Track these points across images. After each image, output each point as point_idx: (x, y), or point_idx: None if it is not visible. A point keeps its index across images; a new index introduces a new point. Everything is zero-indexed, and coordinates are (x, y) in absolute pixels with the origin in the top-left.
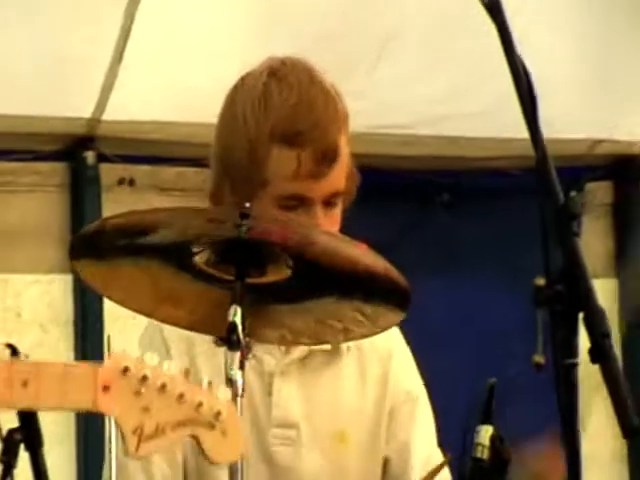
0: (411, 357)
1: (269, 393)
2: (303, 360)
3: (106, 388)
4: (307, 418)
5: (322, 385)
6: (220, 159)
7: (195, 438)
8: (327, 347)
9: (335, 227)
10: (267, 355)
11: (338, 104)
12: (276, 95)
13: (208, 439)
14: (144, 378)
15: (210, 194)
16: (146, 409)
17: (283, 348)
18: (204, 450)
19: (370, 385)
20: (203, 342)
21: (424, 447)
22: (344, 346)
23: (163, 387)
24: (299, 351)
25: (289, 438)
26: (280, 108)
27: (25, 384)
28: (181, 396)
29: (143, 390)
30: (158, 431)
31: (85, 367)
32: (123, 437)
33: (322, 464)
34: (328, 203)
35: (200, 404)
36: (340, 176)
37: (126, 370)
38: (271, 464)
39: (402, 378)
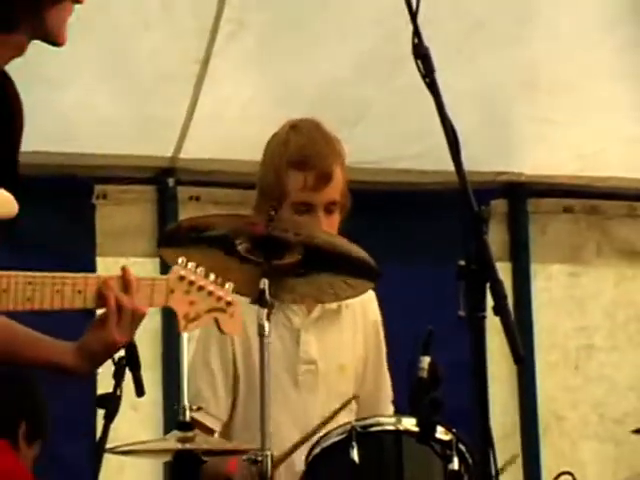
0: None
1: (297, 342)
2: (317, 319)
3: (172, 291)
4: (321, 357)
5: (330, 335)
6: (259, 184)
7: (216, 319)
8: (333, 308)
9: (333, 228)
10: (295, 316)
11: (335, 145)
12: (293, 139)
13: (223, 319)
14: (191, 282)
15: (254, 207)
16: (192, 302)
17: (305, 310)
18: (220, 326)
19: (359, 334)
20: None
21: (388, 387)
22: (343, 308)
23: (200, 287)
24: (315, 313)
25: (311, 371)
26: (294, 146)
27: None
28: (210, 293)
29: (190, 289)
30: (197, 316)
31: (161, 281)
32: (178, 321)
33: (330, 387)
34: (328, 210)
35: (219, 297)
36: (335, 191)
37: (182, 278)
38: (297, 388)
39: (378, 331)
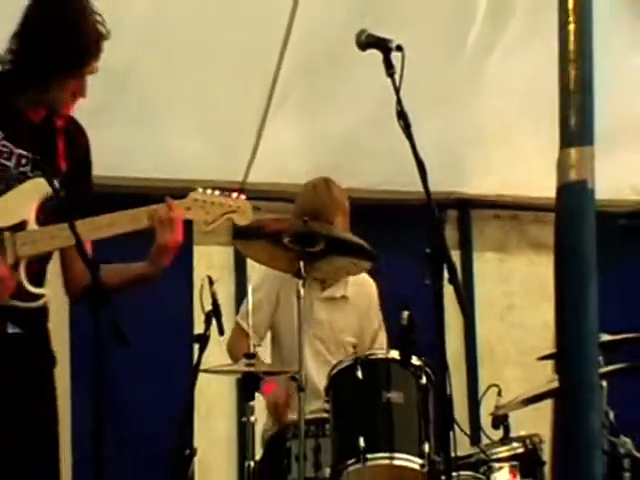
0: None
1: (312, 309)
2: (327, 296)
3: (188, 208)
4: (328, 321)
5: (336, 307)
6: (295, 212)
7: (230, 218)
8: (341, 293)
9: None
10: (313, 290)
11: (337, 200)
12: (310, 197)
13: (235, 216)
14: (204, 200)
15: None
16: (207, 212)
17: (319, 289)
18: (235, 221)
19: (359, 307)
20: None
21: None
22: (349, 291)
23: (212, 202)
24: (327, 292)
25: (321, 328)
26: (310, 203)
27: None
28: (220, 203)
29: (204, 205)
30: (213, 219)
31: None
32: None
33: (337, 339)
34: None
35: (229, 204)
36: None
37: (195, 199)
38: (314, 339)
39: (375, 303)
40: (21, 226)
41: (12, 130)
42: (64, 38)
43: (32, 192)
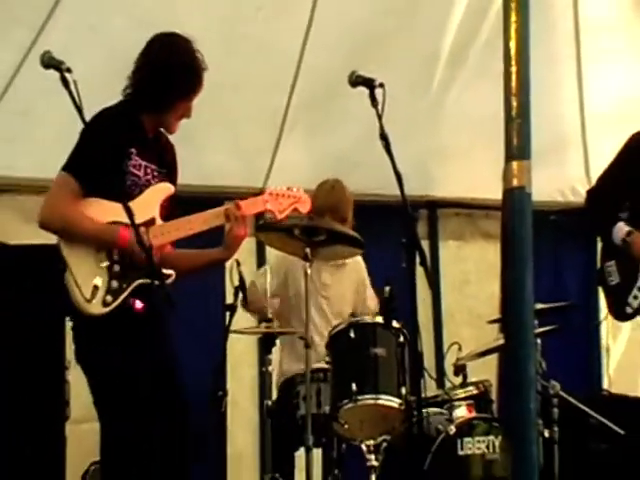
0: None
1: (320, 275)
2: (332, 266)
3: (266, 201)
4: (332, 285)
5: (339, 275)
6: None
7: (296, 207)
8: (339, 264)
9: None
10: (320, 262)
11: (350, 199)
12: (330, 196)
13: (299, 204)
14: (277, 194)
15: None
16: (280, 203)
17: (326, 265)
18: (299, 209)
19: (353, 276)
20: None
21: (372, 304)
22: (347, 263)
23: (282, 195)
24: (332, 262)
25: (326, 292)
26: (331, 201)
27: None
28: (288, 196)
29: (277, 197)
30: (284, 208)
31: (259, 198)
32: (274, 214)
33: (338, 306)
34: None
35: (295, 196)
36: (348, 224)
37: (270, 193)
38: (319, 298)
39: (364, 275)
40: (152, 222)
41: (140, 146)
42: (181, 73)
43: (156, 195)
